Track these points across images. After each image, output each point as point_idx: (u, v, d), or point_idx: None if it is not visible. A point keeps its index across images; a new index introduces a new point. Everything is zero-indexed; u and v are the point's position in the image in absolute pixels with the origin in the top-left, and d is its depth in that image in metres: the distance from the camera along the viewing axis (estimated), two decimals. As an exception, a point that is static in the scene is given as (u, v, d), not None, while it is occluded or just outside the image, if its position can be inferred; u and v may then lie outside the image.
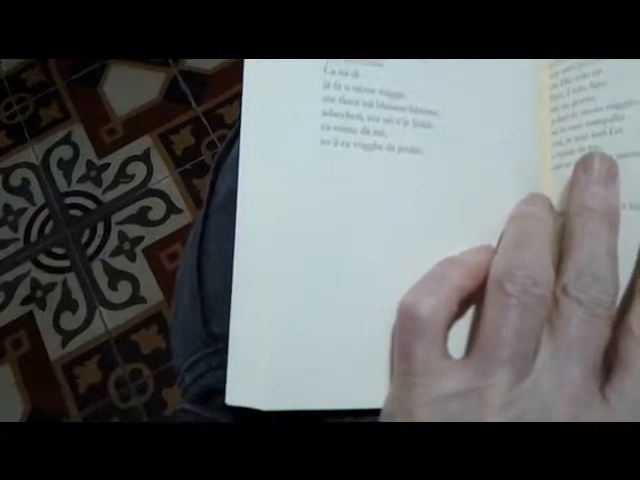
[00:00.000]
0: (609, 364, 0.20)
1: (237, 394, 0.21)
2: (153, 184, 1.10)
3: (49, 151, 1.16)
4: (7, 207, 1.13)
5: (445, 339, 0.21)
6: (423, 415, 0.20)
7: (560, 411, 0.19)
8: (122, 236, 1.07)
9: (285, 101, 0.22)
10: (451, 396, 0.20)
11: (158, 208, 1.08)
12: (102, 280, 1.04)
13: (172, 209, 1.08)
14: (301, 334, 0.22)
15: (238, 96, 1.14)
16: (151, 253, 1.05)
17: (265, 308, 0.22)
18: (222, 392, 0.22)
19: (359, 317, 0.22)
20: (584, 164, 0.22)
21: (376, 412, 0.22)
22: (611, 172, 0.22)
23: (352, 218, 0.23)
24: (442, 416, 0.20)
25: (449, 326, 0.21)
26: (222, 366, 0.23)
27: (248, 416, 0.25)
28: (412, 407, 0.20)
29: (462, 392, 0.20)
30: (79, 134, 1.17)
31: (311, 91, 0.22)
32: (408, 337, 0.21)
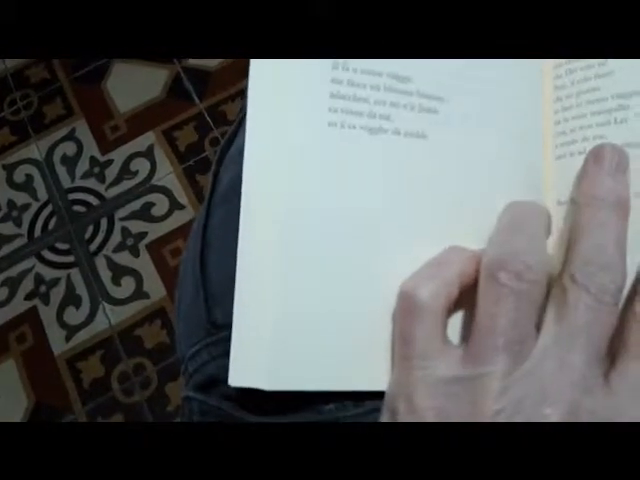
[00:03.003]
0: (614, 351, 0.20)
1: (240, 375, 0.22)
2: (156, 180, 1.10)
3: (53, 147, 1.16)
4: (11, 203, 1.13)
5: (445, 324, 0.21)
6: (423, 398, 0.20)
7: (561, 396, 0.19)
8: (125, 232, 1.07)
9: (293, 83, 0.22)
10: (449, 381, 0.20)
11: (161, 204, 1.08)
12: (105, 275, 1.04)
13: (175, 205, 1.08)
14: (303, 316, 0.22)
15: (241, 93, 1.14)
16: (154, 249, 1.05)
17: (268, 291, 0.22)
18: (224, 381, 0.22)
19: (361, 302, 0.22)
20: (595, 155, 0.22)
21: (376, 394, 0.22)
22: (622, 163, 0.22)
23: (356, 201, 0.23)
24: (442, 400, 0.20)
25: (450, 312, 0.21)
26: (225, 355, 0.23)
27: (251, 403, 0.25)
28: (411, 391, 0.20)
29: (460, 378, 0.20)
30: (83, 130, 1.17)
31: (320, 73, 0.22)
32: (408, 321, 0.21)
